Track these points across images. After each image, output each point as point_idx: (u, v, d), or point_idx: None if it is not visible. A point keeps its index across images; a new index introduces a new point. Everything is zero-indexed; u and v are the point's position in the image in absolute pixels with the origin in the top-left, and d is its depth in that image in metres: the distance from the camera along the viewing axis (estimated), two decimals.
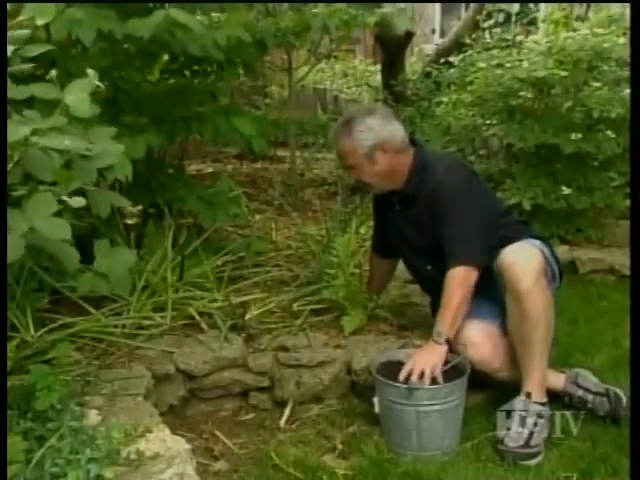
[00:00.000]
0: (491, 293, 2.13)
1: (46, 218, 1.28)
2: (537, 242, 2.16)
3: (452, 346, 2.07)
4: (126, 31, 2.12)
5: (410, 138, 2.30)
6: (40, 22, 1.85)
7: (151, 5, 2.42)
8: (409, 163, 2.23)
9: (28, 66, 1.52)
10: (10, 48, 1.49)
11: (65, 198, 1.33)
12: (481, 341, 2.09)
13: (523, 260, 2.01)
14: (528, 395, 2.00)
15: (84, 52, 2.41)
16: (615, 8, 4.22)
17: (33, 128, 1.23)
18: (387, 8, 3.76)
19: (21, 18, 1.80)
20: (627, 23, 3.82)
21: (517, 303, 1.99)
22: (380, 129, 2.18)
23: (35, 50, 1.56)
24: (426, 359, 2.01)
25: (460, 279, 2.09)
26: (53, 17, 1.92)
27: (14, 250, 1.21)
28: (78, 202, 1.34)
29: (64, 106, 1.36)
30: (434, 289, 2.41)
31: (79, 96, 1.37)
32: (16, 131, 1.21)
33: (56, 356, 2.00)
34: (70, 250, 1.39)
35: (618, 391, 2.07)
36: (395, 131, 2.22)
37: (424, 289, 2.52)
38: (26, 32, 1.63)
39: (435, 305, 2.35)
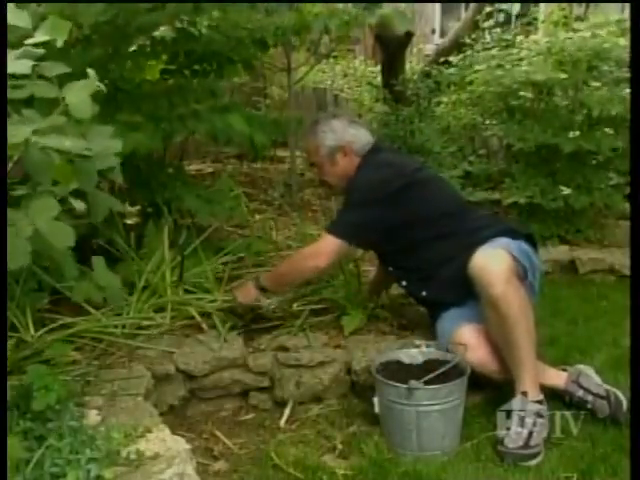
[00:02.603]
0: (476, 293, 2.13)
1: (49, 221, 1.28)
2: (503, 241, 2.13)
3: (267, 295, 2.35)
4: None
5: (376, 144, 2.36)
6: (60, 42, 1.84)
7: (150, 6, 2.41)
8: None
9: (35, 83, 1.52)
10: (28, 63, 1.48)
11: (71, 200, 1.35)
12: (478, 343, 2.09)
13: (491, 265, 2.00)
14: (524, 394, 2.00)
15: (84, 51, 2.41)
16: (615, 8, 4.22)
17: (34, 128, 1.22)
18: (387, 9, 3.75)
19: (37, 39, 1.78)
20: (627, 24, 3.81)
21: (493, 308, 2.00)
22: (342, 132, 2.32)
23: (53, 69, 1.55)
24: (241, 290, 2.39)
25: (305, 251, 2.36)
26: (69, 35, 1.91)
27: (20, 256, 1.21)
28: (79, 205, 1.39)
29: (64, 106, 1.36)
30: (419, 302, 2.44)
31: (80, 97, 1.36)
32: (17, 132, 1.21)
33: (55, 356, 2.00)
34: (70, 259, 1.41)
35: (619, 394, 2.06)
36: (358, 135, 2.34)
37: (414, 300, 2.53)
38: (40, 51, 1.62)
39: (431, 315, 2.36)
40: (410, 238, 2.26)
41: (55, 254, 1.37)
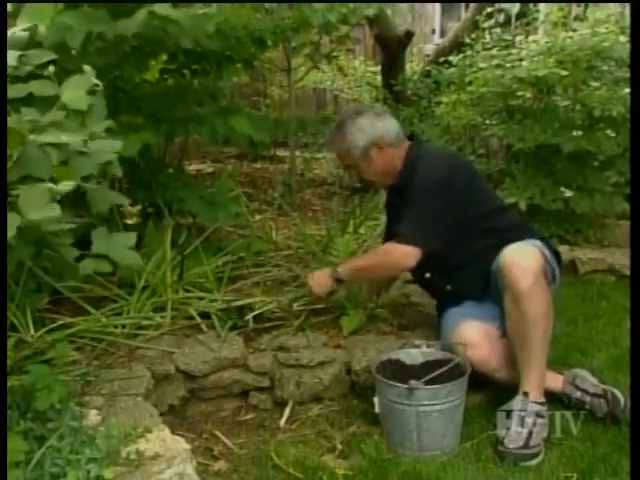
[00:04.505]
0: (492, 294, 2.13)
1: (38, 207, 1.24)
2: (537, 242, 2.16)
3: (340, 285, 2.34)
4: (116, 32, 2.11)
5: (410, 134, 2.34)
6: (41, 28, 1.84)
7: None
8: (403, 156, 2.27)
9: (28, 69, 1.52)
10: (14, 54, 1.48)
11: (51, 185, 1.29)
12: (478, 341, 2.09)
13: (523, 260, 2.00)
14: (526, 394, 2.00)
15: (83, 52, 2.41)
16: (614, 7, 4.22)
17: (32, 125, 1.22)
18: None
19: (20, 24, 1.78)
20: (626, 21, 3.81)
21: (516, 304, 1.99)
22: (371, 128, 2.24)
23: (39, 57, 1.55)
24: (316, 279, 2.36)
25: (384, 250, 2.27)
26: (50, 20, 1.90)
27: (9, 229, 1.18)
28: (66, 186, 1.30)
29: (61, 103, 1.35)
30: (436, 295, 2.42)
31: (76, 93, 1.36)
32: (15, 127, 1.21)
33: (55, 356, 2.00)
34: (67, 240, 1.38)
35: (616, 392, 2.06)
36: (387, 127, 2.27)
37: (427, 293, 2.52)
38: (25, 34, 1.62)
39: (440, 308, 2.35)
40: (456, 234, 2.20)
41: (50, 238, 1.34)
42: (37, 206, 1.23)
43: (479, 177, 2.37)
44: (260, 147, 3.60)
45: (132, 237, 1.56)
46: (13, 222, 1.18)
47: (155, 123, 2.71)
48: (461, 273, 2.24)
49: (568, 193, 3.46)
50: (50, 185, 1.27)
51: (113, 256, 1.53)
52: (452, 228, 2.19)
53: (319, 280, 2.37)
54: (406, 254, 2.18)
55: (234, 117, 2.79)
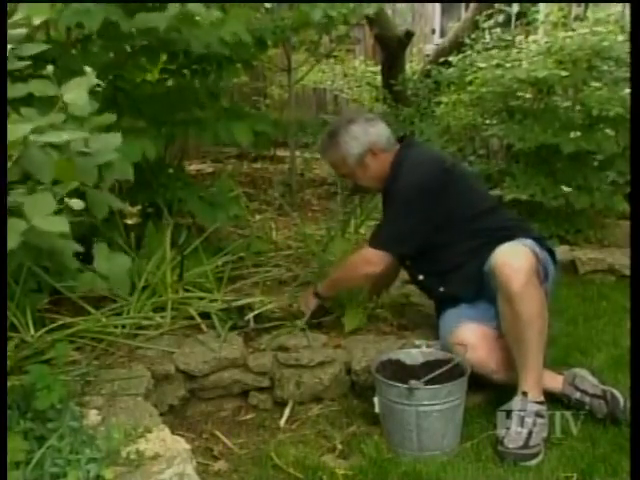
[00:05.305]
0: (488, 295, 2.13)
1: (45, 217, 1.26)
2: (529, 241, 2.14)
3: (324, 301, 2.42)
4: (134, 25, 2.11)
5: (403, 135, 2.35)
6: (36, 21, 1.84)
7: (150, 5, 2.41)
8: (391, 160, 2.29)
9: (23, 63, 1.51)
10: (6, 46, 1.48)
11: (65, 200, 1.32)
12: (476, 343, 2.09)
13: (514, 261, 2.00)
14: (524, 394, 2.00)
15: (84, 51, 2.41)
16: (614, 7, 4.22)
17: (32, 127, 1.22)
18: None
19: (17, 17, 1.79)
20: (626, 21, 3.81)
21: (510, 304, 1.99)
22: (364, 135, 2.26)
23: (32, 49, 1.55)
24: (302, 298, 2.47)
25: (351, 258, 2.37)
26: (48, 15, 1.90)
27: (11, 240, 1.19)
28: (77, 204, 1.34)
29: (62, 104, 1.35)
30: (432, 296, 2.43)
31: (77, 93, 1.36)
32: (16, 130, 1.21)
33: (55, 356, 2.00)
34: (69, 244, 1.39)
35: (616, 393, 2.06)
36: (380, 132, 2.29)
37: (425, 294, 2.52)
38: (22, 31, 1.62)
39: (438, 309, 2.36)
40: (444, 235, 2.22)
41: (53, 244, 1.34)
42: (43, 213, 1.24)
43: (468, 178, 2.38)
44: (260, 147, 3.62)
45: (128, 261, 1.63)
46: (17, 228, 1.18)
47: (156, 126, 2.71)
48: (452, 274, 2.25)
49: (567, 189, 3.46)
50: (54, 188, 1.27)
51: (111, 277, 1.59)
52: (433, 231, 2.21)
53: (304, 299, 2.45)
54: (368, 260, 2.26)
55: (236, 124, 2.79)
